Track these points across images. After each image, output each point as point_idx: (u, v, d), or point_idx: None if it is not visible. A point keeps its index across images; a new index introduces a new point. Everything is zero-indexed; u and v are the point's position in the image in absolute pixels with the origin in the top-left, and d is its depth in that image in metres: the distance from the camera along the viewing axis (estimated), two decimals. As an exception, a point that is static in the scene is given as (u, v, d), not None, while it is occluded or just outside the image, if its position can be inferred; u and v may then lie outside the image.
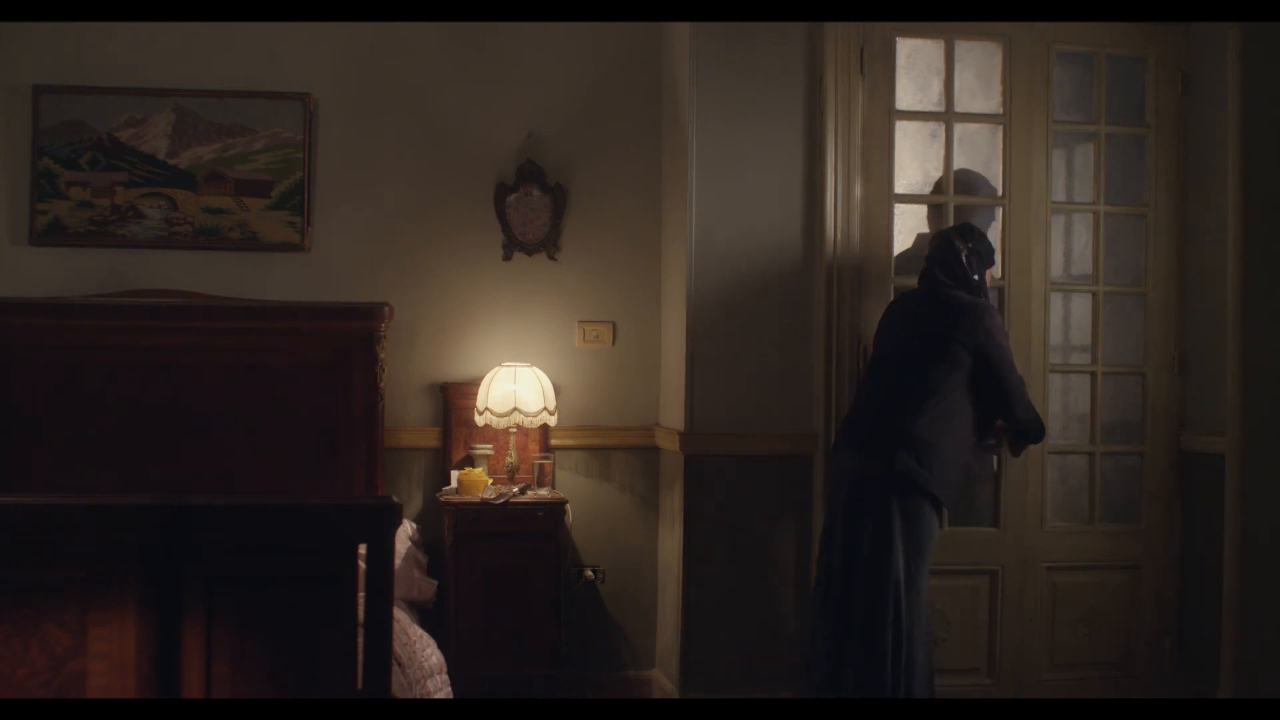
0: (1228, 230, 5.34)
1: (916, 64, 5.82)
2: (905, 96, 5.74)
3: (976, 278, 5.12)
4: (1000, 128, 5.67)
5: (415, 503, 6.18)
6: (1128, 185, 5.83)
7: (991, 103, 5.69)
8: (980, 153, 5.80)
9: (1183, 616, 5.77)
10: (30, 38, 5.99)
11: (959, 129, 5.71)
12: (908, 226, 5.79)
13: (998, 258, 5.46)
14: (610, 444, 6.27)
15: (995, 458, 5.62)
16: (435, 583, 5.81)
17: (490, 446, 6.07)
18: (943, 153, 5.68)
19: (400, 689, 4.45)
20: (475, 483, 5.87)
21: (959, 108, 5.67)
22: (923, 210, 5.81)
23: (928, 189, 5.82)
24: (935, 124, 5.73)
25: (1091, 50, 5.75)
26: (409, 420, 6.18)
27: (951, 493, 5.00)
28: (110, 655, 3.39)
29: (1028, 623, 5.66)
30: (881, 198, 5.62)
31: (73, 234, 6.03)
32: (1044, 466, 5.65)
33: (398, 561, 5.49)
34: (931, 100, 5.77)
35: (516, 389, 5.87)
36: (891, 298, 5.57)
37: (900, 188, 5.69)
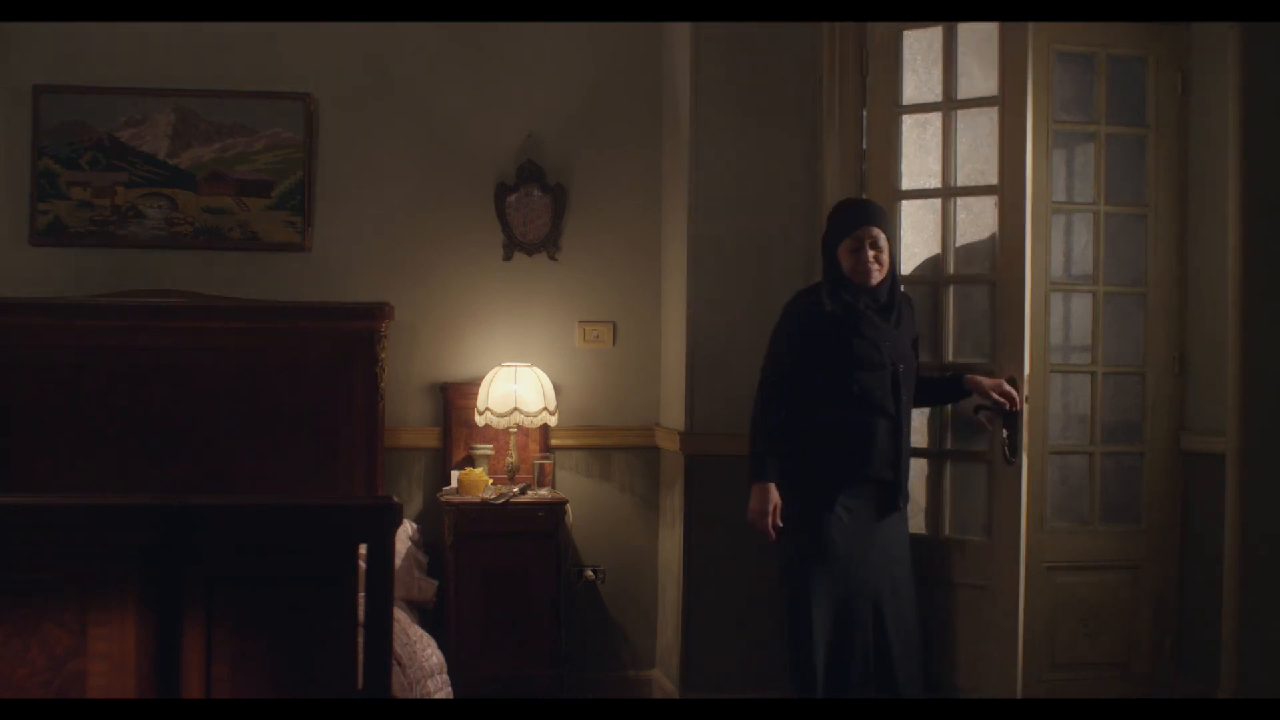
0: (1228, 230, 5.34)
1: (917, 56, 5.78)
2: (908, 91, 5.69)
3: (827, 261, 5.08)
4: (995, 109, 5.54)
5: (415, 503, 6.18)
6: (1127, 185, 5.82)
7: (995, 86, 5.60)
8: (982, 143, 5.73)
9: (1183, 616, 5.77)
10: (31, 38, 6.00)
11: (963, 120, 5.62)
12: (915, 222, 5.74)
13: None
14: (610, 444, 6.28)
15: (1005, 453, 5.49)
16: (435, 583, 5.81)
17: (490, 446, 6.07)
18: (947, 142, 5.58)
19: (400, 689, 4.45)
20: (475, 483, 5.87)
21: (962, 95, 5.59)
22: (937, 205, 5.72)
23: (934, 184, 5.75)
24: (938, 115, 5.65)
25: (1091, 50, 5.74)
26: (409, 420, 6.18)
27: (803, 492, 4.91)
28: (110, 655, 3.39)
29: (1027, 628, 5.61)
30: (885, 195, 5.60)
31: (73, 234, 6.03)
32: (1044, 467, 5.63)
33: (398, 561, 5.49)
34: (935, 92, 5.72)
35: (517, 389, 5.88)
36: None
37: (909, 184, 5.67)
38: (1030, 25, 5.37)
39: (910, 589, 5.08)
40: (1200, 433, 5.67)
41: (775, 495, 4.92)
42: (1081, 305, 5.82)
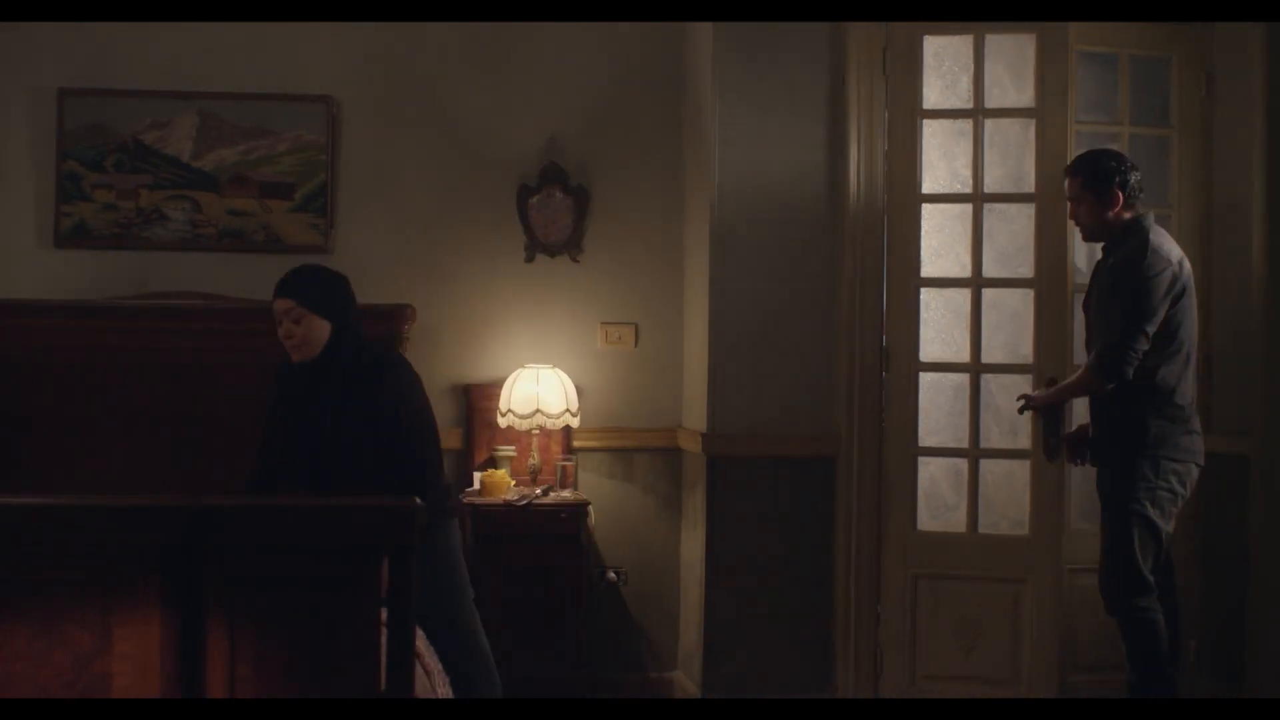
0: (1252, 231, 5.32)
1: (944, 61, 5.78)
2: (933, 95, 5.69)
3: None
4: (1033, 122, 5.57)
5: (438, 504, 6.18)
6: (1151, 186, 5.79)
7: (1024, 96, 5.60)
8: (1012, 149, 5.74)
9: (1206, 618, 5.75)
10: (54, 40, 6.02)
11: (990, 126, 5.65)
12: (934, 225, 5.75)
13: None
14: (633, 445, 6.27)
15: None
16: (457, 584, 5.81)
17: (513, 448, 6.07)
18: (971, 150, 5.62)
19: (423, 690, 4.45)
20: (498, 484, 5.87)
21: (989, 103, 5.61)
22: (956, 210, 5.72)
23: (957, 187, 5.76)
24: (964, 121, 5.66)
25: (1114, 50, 5.72)
26: (431, 422, 6.18)
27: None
28: (134, 656, 3.40)
29: (1054, 626, 5.60)
30: (907, 198, 5.60)
31: (97, 236, 6.06)
32: (1066, 468, 5.61)
33: (420, 563, 5.49)
34: (961, 98, 5.72)
35: (539, 390, 5.88)
36: (917, 299, 5.58)
37: (929, 187, 5.66)
38: (1071, 33, 5.41)
39: None
40: (1224, 434, 5.65)
41: None
42: (1104, 306, 5.80)
